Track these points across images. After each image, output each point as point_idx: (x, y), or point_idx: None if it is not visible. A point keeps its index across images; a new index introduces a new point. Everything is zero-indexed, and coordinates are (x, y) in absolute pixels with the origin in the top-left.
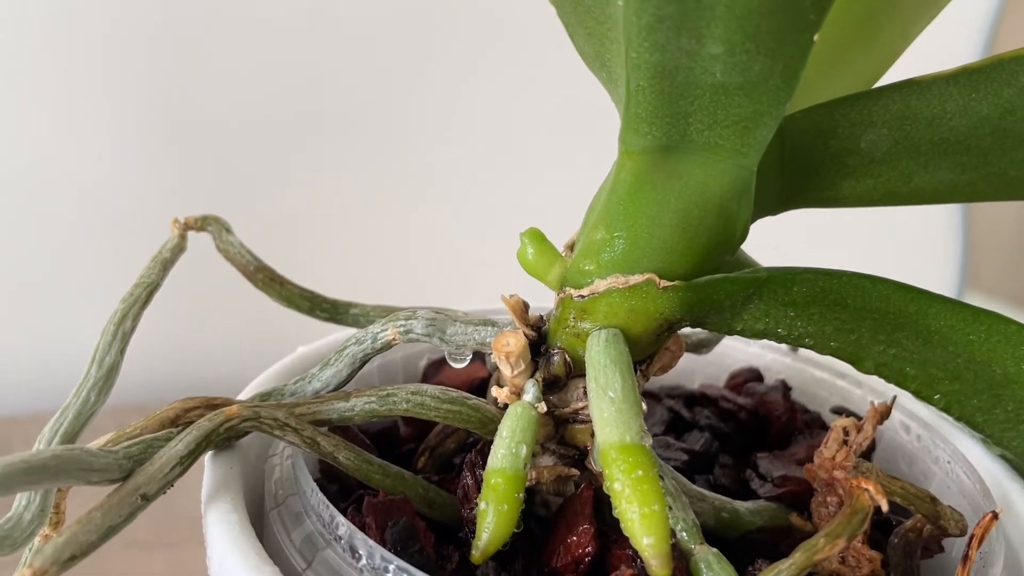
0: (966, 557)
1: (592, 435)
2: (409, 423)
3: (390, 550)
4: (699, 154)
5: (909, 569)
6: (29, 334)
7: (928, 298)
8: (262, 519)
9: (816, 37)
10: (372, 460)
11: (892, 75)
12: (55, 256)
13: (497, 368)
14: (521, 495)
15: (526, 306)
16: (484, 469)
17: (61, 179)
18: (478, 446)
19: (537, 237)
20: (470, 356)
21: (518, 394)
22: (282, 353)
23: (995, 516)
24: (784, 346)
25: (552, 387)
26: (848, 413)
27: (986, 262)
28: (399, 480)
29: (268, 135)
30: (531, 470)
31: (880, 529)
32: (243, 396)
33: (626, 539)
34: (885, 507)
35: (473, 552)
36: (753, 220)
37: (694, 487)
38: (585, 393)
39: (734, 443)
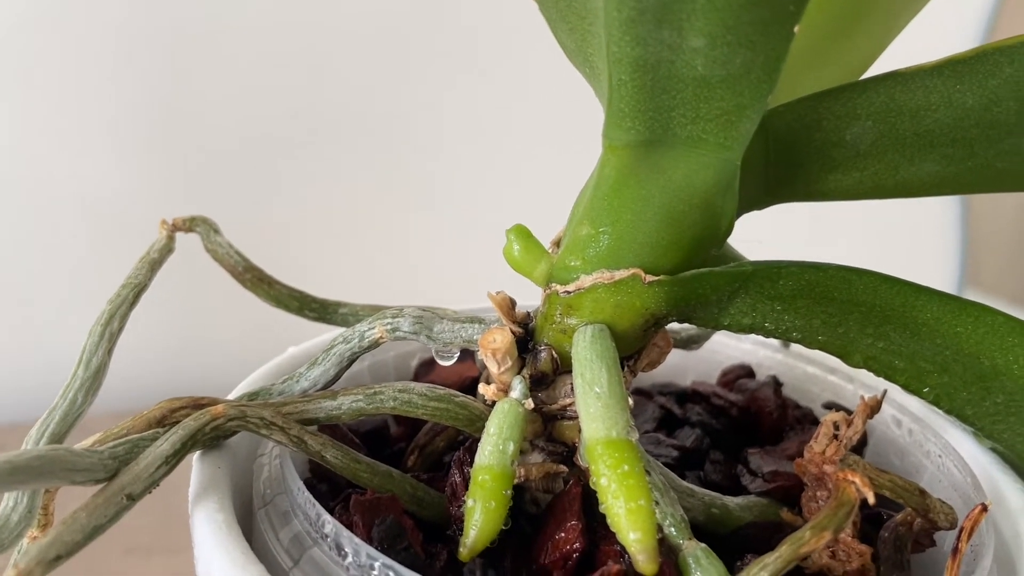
0: (956, 550)
1: (580, 431)
2: (400, 422)
3: (377, 548)
4: (682, 148)
5: (899, 563)
6: (25, 341)
7: (914, 290)
8: (251, 518)
9: (797, 29)
10: (360, 459)
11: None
12: (52, 262)
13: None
14: (509, 492)
15: (513, 303)
16: (472, 466)
17: (55, 185)
18: (467, 443)
19: (523, 233)
20: (457, 354)
21: (505, 391)
22: None
23: (984, 509)
24: (776, 342)
25: (540, 384)
26: (839, 408)
27: (986, 260)
28: (387, 478)
29: (263, 139)
30: (520, 467)
31: (871, 523)
32: (232, 396)
33: (614, 535)
34: (872, 500)
35: (461, 550)
36: (739, 214)
37: (683, 483)
38: (573, 389)
39: (725, 439)
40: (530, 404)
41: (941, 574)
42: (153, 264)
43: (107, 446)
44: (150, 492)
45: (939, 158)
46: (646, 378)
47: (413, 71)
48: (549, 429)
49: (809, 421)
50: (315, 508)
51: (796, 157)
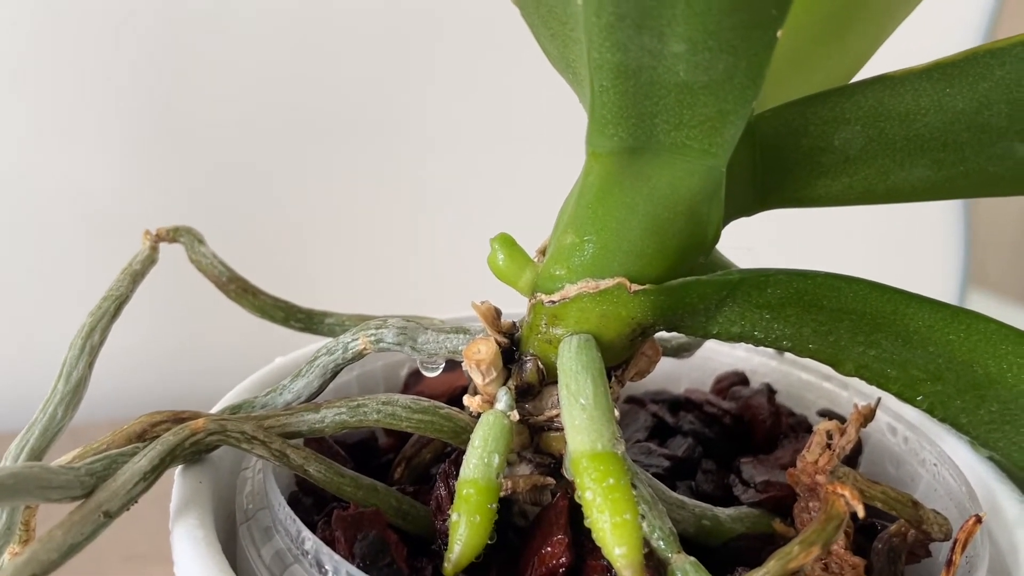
0: (950, 562)
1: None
2: (389, 433)
3: (358, 564)
4: (666, 155)
5: (893, 574)
6: (17, 349)
7: (905, 298)
8: (234, 534)
9: (780, 34)
10: (344, 472)
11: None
12: (46, 268)
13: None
14: (494, 506)
15: (498, 312)
16: (457, 479)
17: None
18: (452, 456)
19: (507, 242)
20: (443, 365)
21: (491, 402)
22: None
23: (978, 520)
24: (770, 349)
25: (526, 395)
26: (834, 416)
27: (992, 260)
28: (371, 492)
29: (257, 144)
30: (506, 480)
31: (865, 534)
32: (215, 409)
33: (601, 549)
34: (861, 513)
35: (445, 565)
36: (727, 221)
37: (673, 494)
38: (559, 400)
39: (718, 448)
40: (516, 416)
41: None
42: (135, 275)
43: (84, 462)
44: (128, 509)
45: (930, 163)
46: (639, 385)
47: (405, 80)
48: (536, 441)
49: (803, 429)
50: (296, 524)
51: (784, 163)
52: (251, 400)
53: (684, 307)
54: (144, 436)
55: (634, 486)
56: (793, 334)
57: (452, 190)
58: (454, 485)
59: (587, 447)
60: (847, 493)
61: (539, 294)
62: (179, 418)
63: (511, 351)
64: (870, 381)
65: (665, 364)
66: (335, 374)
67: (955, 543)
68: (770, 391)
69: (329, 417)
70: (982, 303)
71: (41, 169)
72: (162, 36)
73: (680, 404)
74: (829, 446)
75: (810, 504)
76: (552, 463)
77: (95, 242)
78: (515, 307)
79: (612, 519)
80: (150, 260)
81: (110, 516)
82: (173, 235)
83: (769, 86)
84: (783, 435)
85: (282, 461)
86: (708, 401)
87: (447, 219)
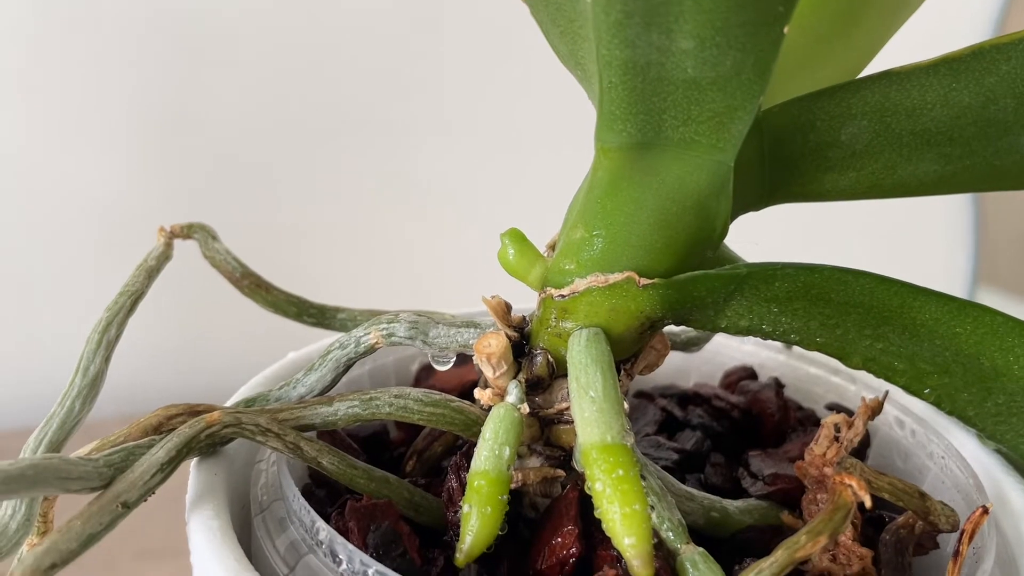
0: (957, 553)
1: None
2: (400, 427)
3: (372, 554)
4: (675, 150)
5: (901, 566)
6: (28, 346)
7: (912, 291)
8: (249, 525)
9: (787, 30)
10: (356, 464)
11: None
12: (55, 267)
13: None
14: (505, 497)
15: (508, 307)
16: (468, 471)
17: (58, 191)
18: (464, 448)
19: (518, 238)
20: (453, 358)
21: (501, 396)
22: None
23: (985, 511)
24: (778, 344)
25: (536, 388)
26: (842, 410)
27: (1002, 258)
28: (384, 484)
29: (266, 143)
30: (517, 472)
31: (873, 526)
32: (230, 403)
33: (611, 539)
34: (868, 503)
35: (457, 555)
36: (735, 216)
37: (682, 486)
38: (569, 393)
39: (727, 442)
40: (526, 408)
41: None
42: (151, 271)
43: (102, 454)
44: (145, 500)
45: (937, 157)
46: (648, 380)
47: (413, 77)
48: (547, 433)
49: (811, 423)
50: (310, 515)
51: (791, 158)
52: (265, 394)
53: (692, 301)
54: (160, 429)
55: (643, 477)
56: (801, 327)
57: (460, 187)
58: (465, 477)
59: (597, 439)
60: (854, 483)
61: (549, 288)
62: (195, 411)
63: (521, 345)
64: (877, 374)
65: (674, 359)
66: (348, 368)
67: (962, 534)
68: (778, 385)
69: (342, 410)
70: (992, 301)
71: (50, 169)
72: (170, 36)
73: (689, 398)
74: (837, 439)
75: (818, 496)
76: (562, 456)
77: (103, 242)
78: (524, 303)
79: (622, 509)
80: (165, 256)
81: (128, 507)
82: (187, 231)
83: (776, 82)
84: (791, 429)
85: (296, 453)
86: (717, 395)
87: (455, 216)
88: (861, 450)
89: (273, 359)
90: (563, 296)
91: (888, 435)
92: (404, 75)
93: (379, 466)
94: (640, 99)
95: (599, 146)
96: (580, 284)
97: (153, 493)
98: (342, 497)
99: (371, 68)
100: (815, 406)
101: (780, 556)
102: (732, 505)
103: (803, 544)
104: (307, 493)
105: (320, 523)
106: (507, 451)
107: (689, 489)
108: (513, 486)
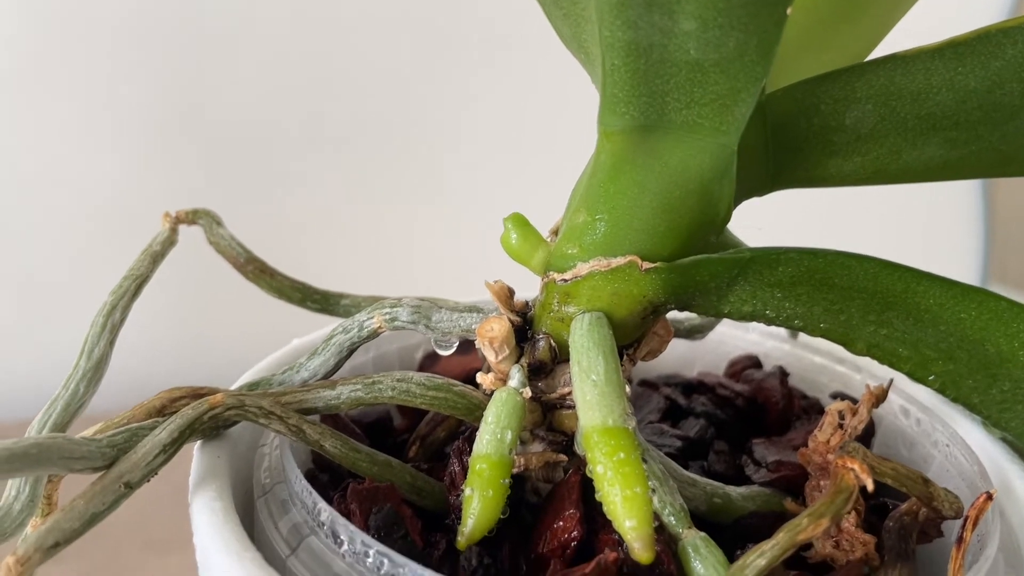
0: (960, 539)
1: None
2: (404, 413)
3: (373, 536)
4: (678, 133)
5: (904, 552)
6: (31, 340)
7: (916, 276)
8: (252, 508)
9: (790, 11)
10: (359, 448)
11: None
12: (61, 261)
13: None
14: (507, 481)
15: (511, 292)
16: (471, 455)
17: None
18: (466, 433)
19: (520, 222)
20: (456, 343)
21: (504, 380)
22: None
23: (989, 497)
24: (784, 332)
25: (538, 373)
26: (847, 398)
27: (1012, 257)
28: (386, 468)
29: (269, 133)
30: (519, 457)
31: (877, 513)
32: (234, 387)
33: (612, 523)
34: (870, 486)
35: (458, 538)
36: (739, 201)
37: (684, 472)
38: (571, 378)
39: (731, 430)
40: (528, 393)
41: (948, 563)
42: (155, 256)
43: (106, 435)
44: (148, 480)
45: (942, 142)
46: (652, 369)
47: (416, 66)
48: (549, 418)
49: (816, 411)
50: (312, 496)
51: (796, 142)
52: (268, 378)
53: (695, 285)
54: (164, 411)
55: (645, 461)
56: (804, 313)
57: (464, 175)
58: (467, 461)
59: (598, 422)
60: (856, 466)
61: (552, 273)
62: (198, 394)
63: (524, 330)
64: (882, 360)
65: (678, 348)
66: (351, 352)
67: (966, 520)
68: (783, 374)
69: (345, 393)
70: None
71: (54, 164)
72: (174, 28)
73: (693, 387)
74: (841, 426)
75: (821, 483)
76: (564, 441)
77: (107, 235)
78: (527, 290)
79: (623, 492)
80: (170, 242)
81: (130, 487)
82: (192, 217)
83: (780, 66)
84: (796, 417)
85: (299, 436)
86: (721, 384)
87: (459, 205)
88: (866, 439)
89: (272, 346)
90: (565, 280)
91: (893, 424)
92: (406, 67)
93: (382, 452)
94: (643, 81)
95: (602, 129)
96: (583, 268)
97: (156, 474)
98: (344, 481)
99: (373, 62)
100: (820, 395)
101: (782, 538)
102: (735, 491)
103: (805, 527)
104: (310, 477)
105: (322, 504)
106: (509, 435)
107: (692, 475)
108: (515, 471)
